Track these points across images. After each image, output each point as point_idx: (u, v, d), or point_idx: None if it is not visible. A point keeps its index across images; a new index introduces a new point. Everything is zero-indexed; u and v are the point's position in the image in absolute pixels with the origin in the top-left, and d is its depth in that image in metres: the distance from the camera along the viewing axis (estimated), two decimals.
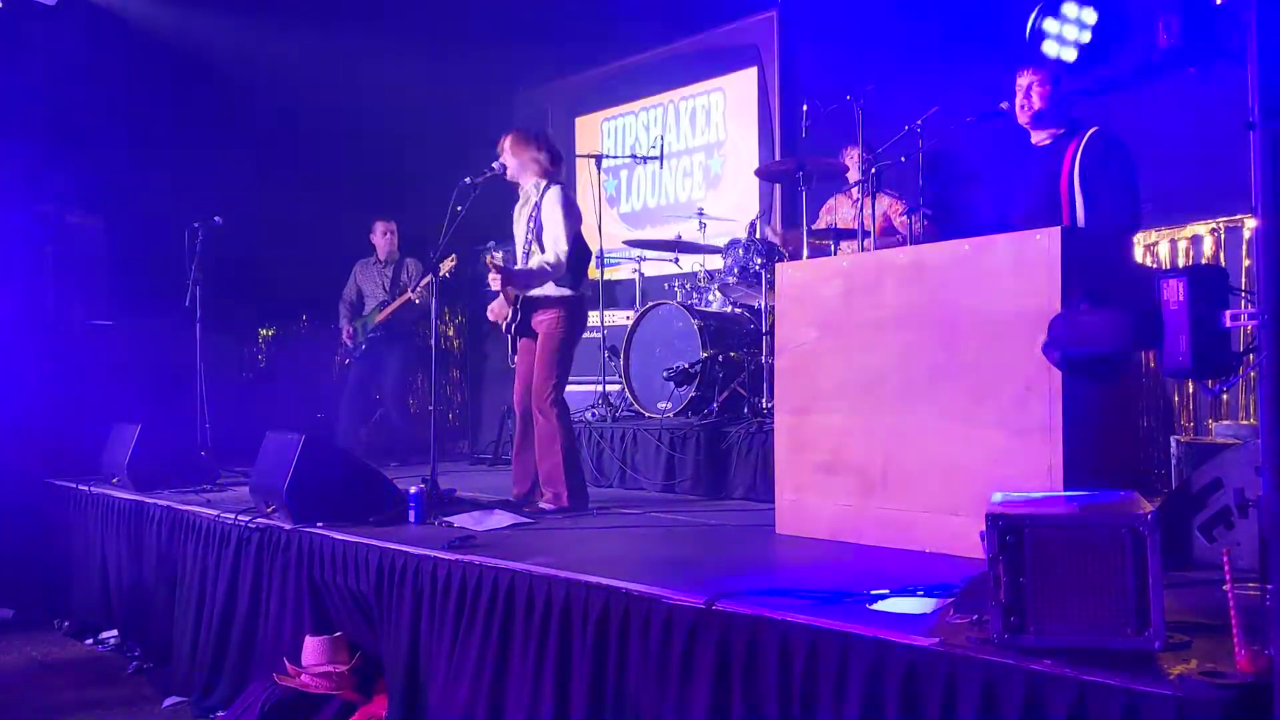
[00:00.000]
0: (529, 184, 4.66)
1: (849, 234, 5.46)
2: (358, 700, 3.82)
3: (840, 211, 6.07)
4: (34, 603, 6.14)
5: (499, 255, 4.62)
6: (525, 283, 4.56)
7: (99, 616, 5.56)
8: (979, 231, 3.35)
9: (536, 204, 4.59)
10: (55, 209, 7.56)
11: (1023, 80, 3.99)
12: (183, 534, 4.79)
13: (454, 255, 6.53)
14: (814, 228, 5.63)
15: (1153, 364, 4.44)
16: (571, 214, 4.56)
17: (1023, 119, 4.02)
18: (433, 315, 4.90)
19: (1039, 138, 4.03)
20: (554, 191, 4.58)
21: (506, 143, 4.66)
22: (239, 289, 7.20)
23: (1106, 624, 1.96)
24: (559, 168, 4.71)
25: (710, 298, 6.29)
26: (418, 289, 7.07)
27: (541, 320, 4.58)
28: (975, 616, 2.23)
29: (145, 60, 7.77)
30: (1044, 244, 3.02)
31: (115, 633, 5.44)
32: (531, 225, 4.60)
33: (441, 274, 6.57)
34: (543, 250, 4.54)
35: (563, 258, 4.48)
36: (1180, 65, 2.14)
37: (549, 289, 4.58)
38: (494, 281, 4.49)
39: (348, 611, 3.92)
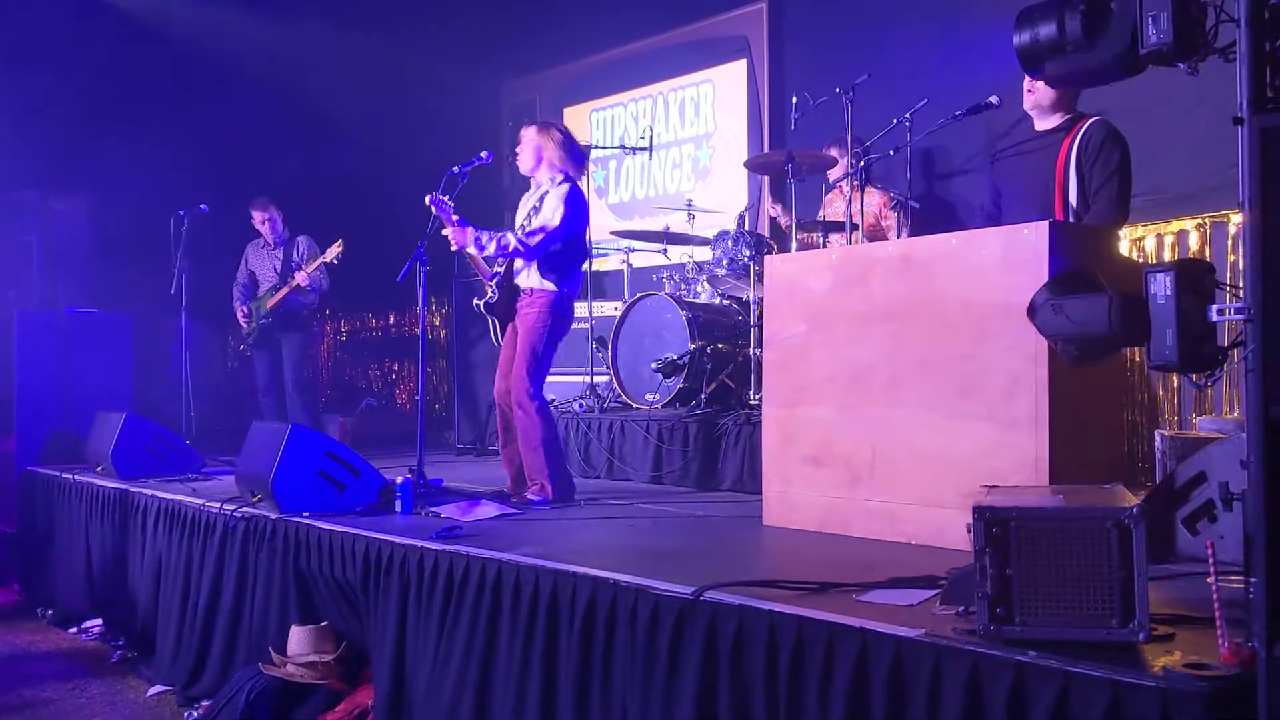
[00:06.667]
0: (543, 175, 4.60)
1: (839, 227, 5.46)
2: (343, 690, 3.82)
3: (833, 207, 6.06)
4: (17, 592, 6.12)
5: (448, 201, 4.40)
6: (488, 246, 4.47)
7: (83, 605, 5.54)
8: (973, 222, 3.36)
9: (544, 194, 4.56)
10: (39, 194, 7.52)
11: None
12: (167, 523, 4.77)
13: (340, 240, 6.40)
14: (805, 221, 5.62)
15: (1138, 358, 4.46)
16: (577, 211, 4.50)
17: (1027, 104, 4.04)
18: (421, 305, 4.87)
19: (1041, 126, 4.05)
20: (566, 185, 4.53)
21: (529, 134, 4.59)
22: (224, 277, 7.13)
23: (1091, 616, 1.98)
24: (581, 170, 4.66)
25: (699, 289, 6.28)
26: (305, 273, 6.61)
27: (524, 313, 4.52)
28: (961, 608, 2.25)
29: (133, 47, 7.73)
30: (1031, 238, 3.04)
31: (99, 622, 5.42)
32: (533, 213, 4.55)
33: (329, 259, 6.50)
34: None
35: (531, 241, 4.43)
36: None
37: (532, 280, 4.51)
38: (451, 236, 4.42)
39: (334, 601, 3.91)
